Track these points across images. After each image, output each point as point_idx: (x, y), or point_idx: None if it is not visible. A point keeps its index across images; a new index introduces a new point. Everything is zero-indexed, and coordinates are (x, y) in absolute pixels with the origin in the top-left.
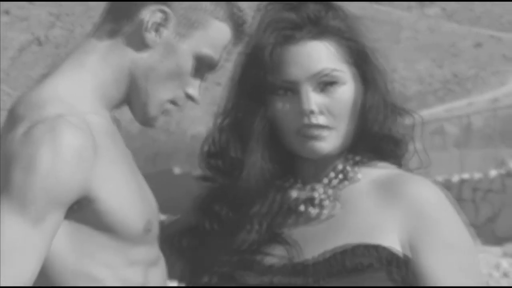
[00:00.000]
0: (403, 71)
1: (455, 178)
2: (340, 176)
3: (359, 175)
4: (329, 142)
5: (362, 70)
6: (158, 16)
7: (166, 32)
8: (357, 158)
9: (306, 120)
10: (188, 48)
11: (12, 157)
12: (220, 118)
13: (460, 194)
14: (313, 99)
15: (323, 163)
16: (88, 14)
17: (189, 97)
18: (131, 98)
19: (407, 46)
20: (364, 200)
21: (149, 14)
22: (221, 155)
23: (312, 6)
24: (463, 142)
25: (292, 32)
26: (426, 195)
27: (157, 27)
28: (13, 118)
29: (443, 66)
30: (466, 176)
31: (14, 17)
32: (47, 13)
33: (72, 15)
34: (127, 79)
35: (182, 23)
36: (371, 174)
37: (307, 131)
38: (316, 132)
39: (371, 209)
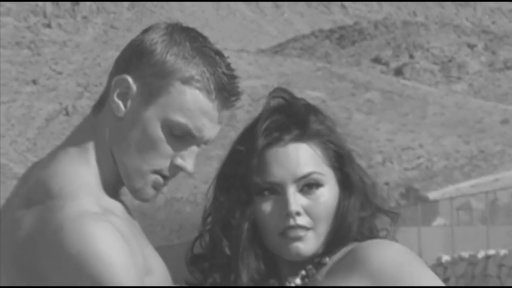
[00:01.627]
0: (429, 147)
1: (481, 254)
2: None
3: (326, 259)
4: (308, 243)
5: (343, 174)
6: (122, 86)
7: (130, 101)
8: (336, 249)
9: (291, 222)
10: (153, 115)
11: (76, 255)
12: (208, 218)
13: (486, 270)
14: (299, 200)
15: (306, 259)
16: None
17: (179, 168)
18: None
19: (434, 121)
20: (330, 279)
21: (114, 85)
22: (209, 255)
23: (300, 109)
24: (489, 218)
25: (280, 134)
26: (383, 254)
27: (122, 97)
28: (47, 196)
29: (469, 142)
30: (492, 252)
31: (41, 86)
32: (75, 83)
33: (99, 85)
34: (110, 153)
35: (146, 90)
36: (339, 253)
37: (292, 233)
38: (300, 233)
39: (336, 283)
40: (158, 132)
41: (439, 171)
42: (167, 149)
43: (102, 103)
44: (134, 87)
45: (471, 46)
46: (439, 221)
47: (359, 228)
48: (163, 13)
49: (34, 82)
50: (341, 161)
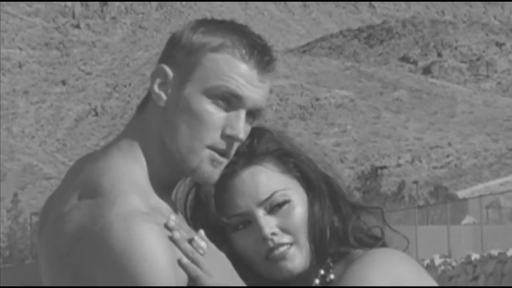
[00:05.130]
0: (458, 145)
1: (510, 252)
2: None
3: (332, 276)
4: (294, 259)
5: (306, 180)
6: (160, 75)
7: (170, 88)
8: (329, 261)
9: (271, 244)
10: (192, 90)
11: (120, 254)
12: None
13: None
14: (270, 222)
15: (305, 275)
16: (145, 86)
17: (231, 138)
18: (175, 163)
19: (462, 120)
20: None
21: (152, 76)
22: None
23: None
24: None
25: (230, 168)
26: (377, 269)
27: (163, 87)
28: (98, 192)
29: (498, 140)
30: None
31: (70, 87)
32: (104, 83)
33: (128, 85)
34: (163, 146)
35: (180, 71)
36: (342, 267)
37: (275, 253)
38: (283, 250)
39: None
40: (202, 105)
41: (468, 169)
42: (215, 120)
43: (146, 101)
44: (170, 72)
45: (500, 45)
46: (468, 219)
47: (343, 230)
48: (192, 13)
49: (63, 82)
50: (301, 168)
